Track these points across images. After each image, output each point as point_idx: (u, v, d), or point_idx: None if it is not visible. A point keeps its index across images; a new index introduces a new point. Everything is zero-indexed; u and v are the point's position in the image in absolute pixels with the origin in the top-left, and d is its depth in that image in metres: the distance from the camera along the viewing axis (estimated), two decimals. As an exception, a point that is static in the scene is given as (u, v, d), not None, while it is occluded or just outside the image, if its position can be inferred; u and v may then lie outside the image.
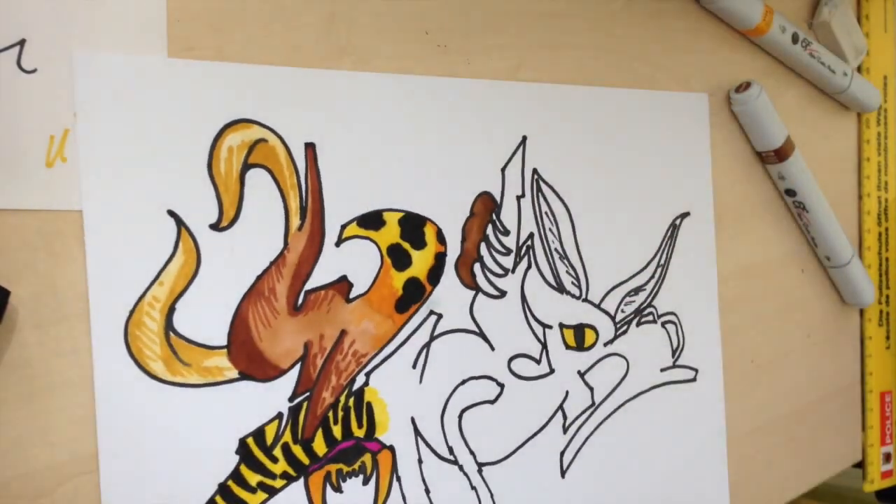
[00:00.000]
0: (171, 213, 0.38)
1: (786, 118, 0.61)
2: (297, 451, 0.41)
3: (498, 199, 0.46)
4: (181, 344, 0.38)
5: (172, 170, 0.38)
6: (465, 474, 0.45)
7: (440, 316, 0.45)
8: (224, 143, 0.39)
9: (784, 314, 0.67)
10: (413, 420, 0.44)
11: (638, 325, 0.50)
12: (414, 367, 0.44)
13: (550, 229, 0.47)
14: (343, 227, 0.42)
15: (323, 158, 0.41)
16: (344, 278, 0.42)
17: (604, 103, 0.51)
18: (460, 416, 0.45)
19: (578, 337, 0.48)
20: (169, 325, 0.38)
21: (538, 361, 0.47)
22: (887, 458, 0.77)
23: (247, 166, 0.39)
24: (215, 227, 0.39)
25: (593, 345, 0.49)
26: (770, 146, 0.61)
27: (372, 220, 0.43)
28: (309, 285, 0.41)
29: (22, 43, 0.35)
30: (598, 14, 0.52)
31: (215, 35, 0.39)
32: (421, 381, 0.44)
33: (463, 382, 0.45)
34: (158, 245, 0.38)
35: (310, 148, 0.41)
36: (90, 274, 0.36)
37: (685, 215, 0.56)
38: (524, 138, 0.47)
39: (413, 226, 0.44)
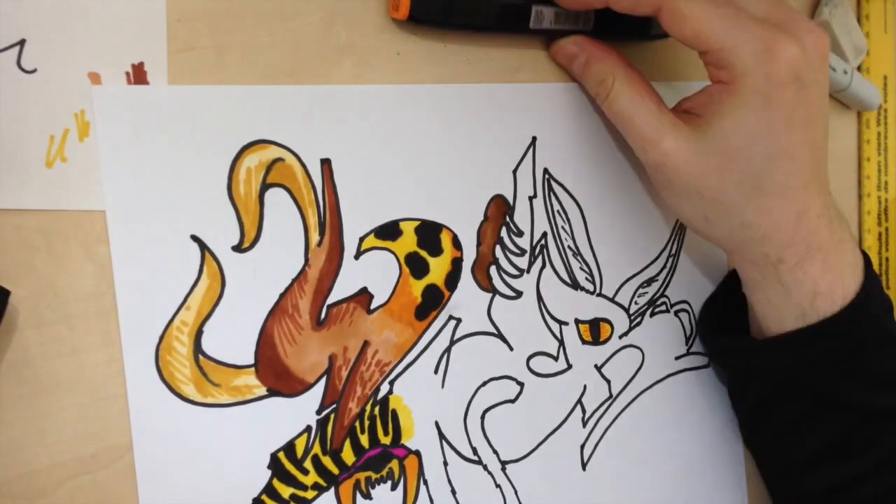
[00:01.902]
0: (195, 238, 0.38)
1: (786, 108, 0.61)
2: (327, 461, 0.42)
3: (510, 201, 0.46)
4: (210, 365, 0.39)
5: (193, 195, 0.38)
6: (490, 473, 0.46)
7: (459, 320, 0.45)
8: (242, 164, 0.39)
9: (785, 298, 0.67)
10: (437, 424, 0.45)
11: (651, 315, 0.51)
12: (436, 372, 0.45)
13: (563, 227, 0.48)
14: (361, 239, 0.42)
15: (338, 173, 0.42)
16: (364, 290, 0.43)
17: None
18: (482, 417, 0.46)
19: (594, 331, 0.49)
20: (198, 348, 0.38)
21: (556, 358, 0.48)
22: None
23: (265, 186, 0.40)
24: (237, 248, 0.39)
25: (609, 338, 0.49)
26: (770, 135, 0.60)
27: (389, 231, 0.43)
28: (331, 299, 0.42)
29: (22, 43, 0.35)
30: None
31: (215, 35, 0.39)
32: (443, 386, 0.45)
33: (484, 384, 0.46)
34: (184, 270, 0.38)
35: (326, 164, 0.41)
36: (119, 302, 0.37)
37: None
38: (534, 139, 0.47)
39: (429, 233, 0.44)
